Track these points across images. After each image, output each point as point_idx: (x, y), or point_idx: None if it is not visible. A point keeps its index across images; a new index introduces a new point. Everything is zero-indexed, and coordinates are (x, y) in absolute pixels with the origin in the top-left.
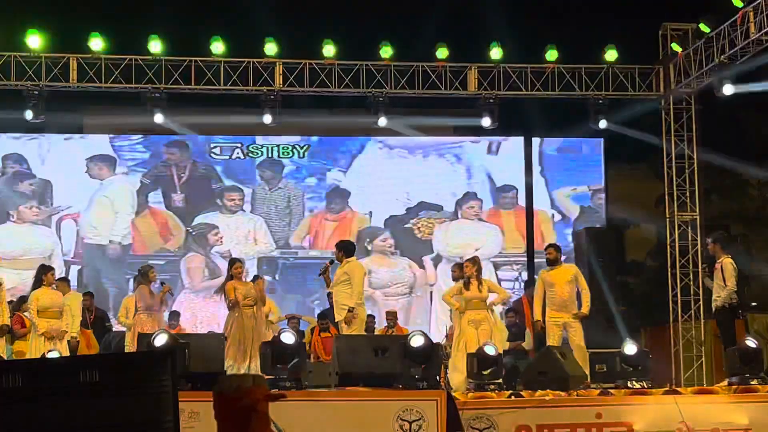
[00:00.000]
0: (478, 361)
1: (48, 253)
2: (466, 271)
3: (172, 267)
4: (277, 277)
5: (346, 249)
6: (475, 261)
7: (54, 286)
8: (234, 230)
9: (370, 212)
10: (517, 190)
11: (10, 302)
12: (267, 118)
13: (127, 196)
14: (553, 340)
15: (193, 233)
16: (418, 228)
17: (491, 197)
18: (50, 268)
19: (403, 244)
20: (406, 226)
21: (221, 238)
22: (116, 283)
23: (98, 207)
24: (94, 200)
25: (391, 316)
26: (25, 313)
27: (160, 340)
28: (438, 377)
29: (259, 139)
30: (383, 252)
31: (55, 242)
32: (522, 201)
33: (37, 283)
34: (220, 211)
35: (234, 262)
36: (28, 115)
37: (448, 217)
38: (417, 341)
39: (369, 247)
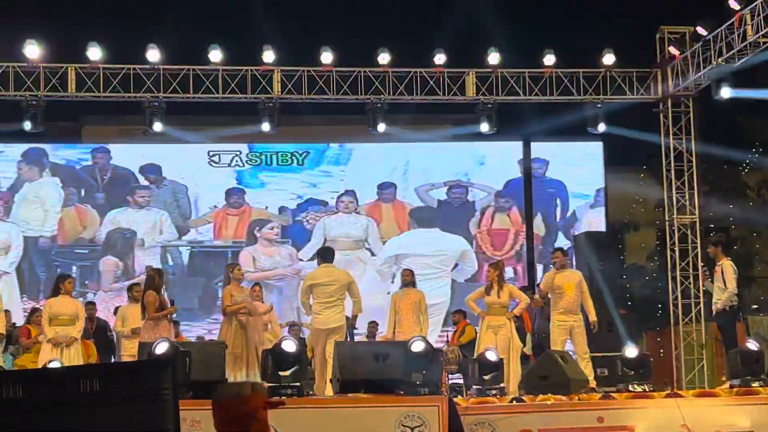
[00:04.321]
0: (479, 366)
1: (4, 245)
2: (488, 277)
3: (97, 255)
4: (185, 262)
5: (316, 255)
6: (497, 266)
7: (70, 294)
8: (142, 222)
9: (266, 207)
10: (395, 186)
11: (5, 311)
12: (265, 126)
13: (54, 195)
14: (558, 344)
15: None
16: (306, 220)
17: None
18: (68, 276)
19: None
20: (296, 219)
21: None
22: (46, 270)
23: (29, 204)
24: (26, 199)
25: (372, 325)
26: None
27: (161, 348)
28: (439, 383)
29: (258, 147)
30: (269, 239)
31: (15, 236)
32: (400, 196)
33: (55, 291)
34: (131, 207)
35: (233, 266)
36: (27, 126)
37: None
38: (417, 347)
39: (258, 235)
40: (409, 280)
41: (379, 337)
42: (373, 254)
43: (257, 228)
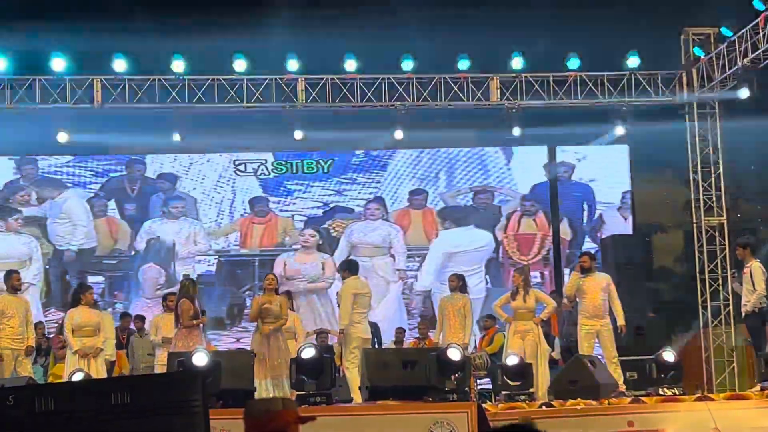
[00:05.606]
0: (507, 371)
1: (26, 257)
2: (514, 281)
3: (127, 266)
4: (213, 271)
5: (344, 268)
6: (522, 271)
7: (91, 304)
8: (177, 233)
9: (293, 216)
10: (426, 193)
11: (37, 324)
12: (298, 134)
13: (80, 207)
14: (585, 348)
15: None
16: (333, 228)
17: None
18: (88, 287)
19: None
20: (323, 227)
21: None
22: (78, 280)
23: (59, 219)
24: (56, 213)
25: (423, 326)
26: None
27: (199, 358)
28: (468, 389)
29: (284, 155)
30: (306, 246)
31: (34, 248)
32: (429, 203)
33: (75, 301)
34: (166, 217)
35: (265, 276)
36: (60, 137)
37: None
38: (454, 354)
39: (292, 243)
40: (455, 285)
41: (409, 342)
42: (395, 261)
43: (288, 237)
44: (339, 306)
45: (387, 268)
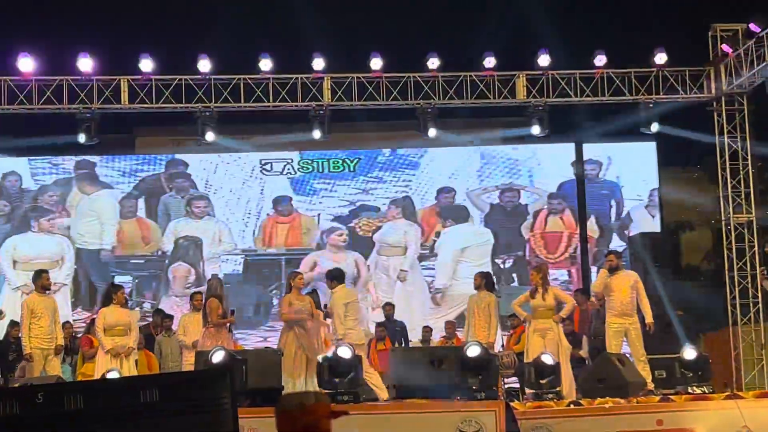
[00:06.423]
0: (536, 370)
1: (58, 257)
2: (532, 280)
3: (153, 266)
4: (240, 270)
5: (330, 277)
6: (540, 269)
7: (123, 304)
8: (202, 232)
9: (318, 215)
10: (455, 191)
11: (65, 324)
12: (317, 133)
13: (110, 207)
14: (613, 346)
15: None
16: (359, 227)
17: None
18: (120, 287)
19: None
20: (349, 225)
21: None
22: (104, 282)
23: (84, 218)
24: (82, 212)
25: (450, 326)
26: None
27: (218, 356)
28: (495, 387)
29: (310, 154)
30: (336, 245)
31: (66, 248)
32: (458, 200)
33: (107, 301)
34: (190, 217)
35: (296, 275)
36: (82, 138)
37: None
38: (473, 351)
39: (326, 240)
40: (479, 283)
41: (437, 341)
42: (403, 260)
43: (326, 234)
44: (331, 316)
45: (398, 268)
